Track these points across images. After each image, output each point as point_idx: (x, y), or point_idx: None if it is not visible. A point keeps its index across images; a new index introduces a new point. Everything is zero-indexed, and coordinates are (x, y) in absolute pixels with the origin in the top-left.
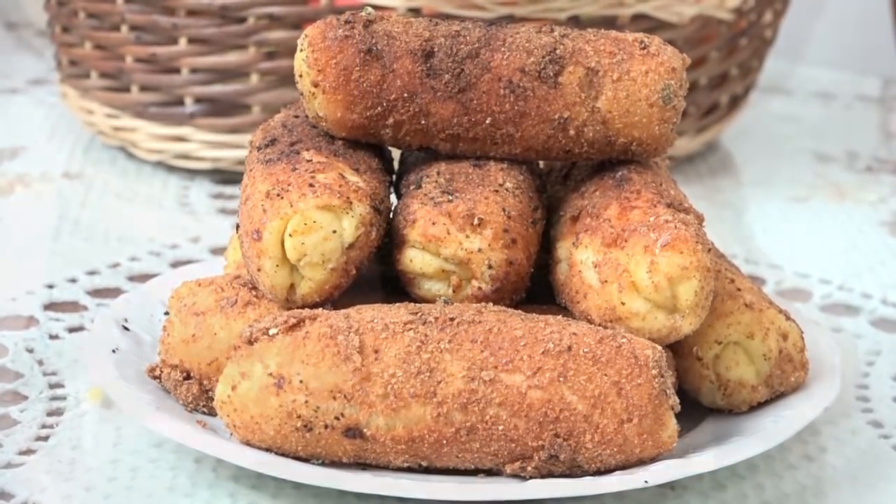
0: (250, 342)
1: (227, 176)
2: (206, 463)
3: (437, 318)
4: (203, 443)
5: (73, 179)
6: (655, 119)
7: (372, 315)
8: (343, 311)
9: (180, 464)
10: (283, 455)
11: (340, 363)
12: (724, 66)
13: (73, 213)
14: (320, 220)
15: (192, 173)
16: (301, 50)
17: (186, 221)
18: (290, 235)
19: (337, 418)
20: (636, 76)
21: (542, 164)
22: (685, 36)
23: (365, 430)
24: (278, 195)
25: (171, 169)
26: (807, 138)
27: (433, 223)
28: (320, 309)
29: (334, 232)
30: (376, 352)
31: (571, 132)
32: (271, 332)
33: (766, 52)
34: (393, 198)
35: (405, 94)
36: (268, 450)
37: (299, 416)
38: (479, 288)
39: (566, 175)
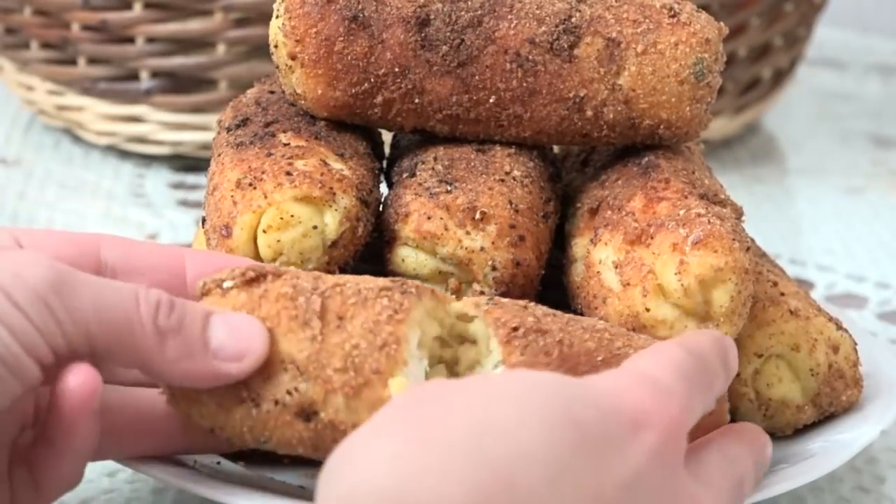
0: (203, 295)
1: (188, 162)
2: (168, 494)
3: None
4: (164, 472)
5: (10, 166)
6: (686, 98)
7: (347, 279)
8: (316, 273)
9: (137, 495)
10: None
11: (297, 329)
12: (767, 35)
13: (9, 206)
14: (299, 214)
15: (149, 159)
16: (277, 16)
17: (142, 215)
18: (265, 231)
19: (289, 393)
20: (664, 48)
21: (556, 148)
22: (721, 0)
23: (321, 412)
24: (250, 185)
25: (124, 154)
26: (863, 119)
27: (429, 217)
28: (293, 268)
29: (315, 227)
30: (340, 318)
31: (589, 113)
32: (226, 284)
33: (816, 19)
34: (383, 187)
35: (396, 69)
36: (211, 430)
37: (246, 387)
38: (482, 292)
39: (584, 161)
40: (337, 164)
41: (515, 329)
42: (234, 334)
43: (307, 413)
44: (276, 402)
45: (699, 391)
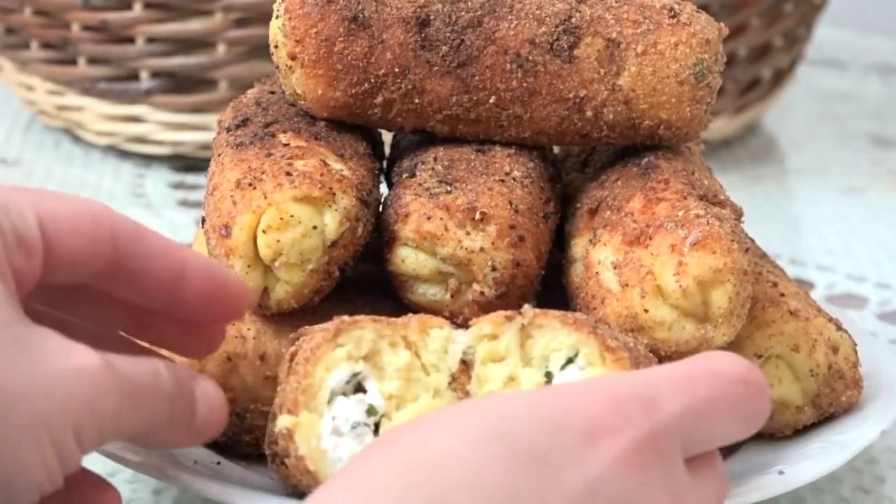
0: None
1: (188, 162)
2: (168, 494)
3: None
4: (165, 472)
5: (10, 166)
6: (686, 99)
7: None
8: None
9: (137, 495)
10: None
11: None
12: (767, 35)
13: None
14: (298, 215)
15: (149, 159)
16: (277, 17)
17: (142, 215)
18: (264, 232)
19: (274, 442)
20: (664, 49)
21: (556, 148)
22: (721, 0)
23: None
24: (250, 185)
25: (124, 154)
26: (863, 119)
27: (428, 218)
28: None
29: (315, 228)
30: (293, 362)
31: (589, 113)
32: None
33: (816, 19)
34: (383, 187)
35: (396, 69)
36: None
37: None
38: (481, 293)
39: (584, 161)
40: (337, 165)
41: (588, 322)
42: (211, 413)
43: (281, 458)
44: (273, 453)
45: (705, 405)
